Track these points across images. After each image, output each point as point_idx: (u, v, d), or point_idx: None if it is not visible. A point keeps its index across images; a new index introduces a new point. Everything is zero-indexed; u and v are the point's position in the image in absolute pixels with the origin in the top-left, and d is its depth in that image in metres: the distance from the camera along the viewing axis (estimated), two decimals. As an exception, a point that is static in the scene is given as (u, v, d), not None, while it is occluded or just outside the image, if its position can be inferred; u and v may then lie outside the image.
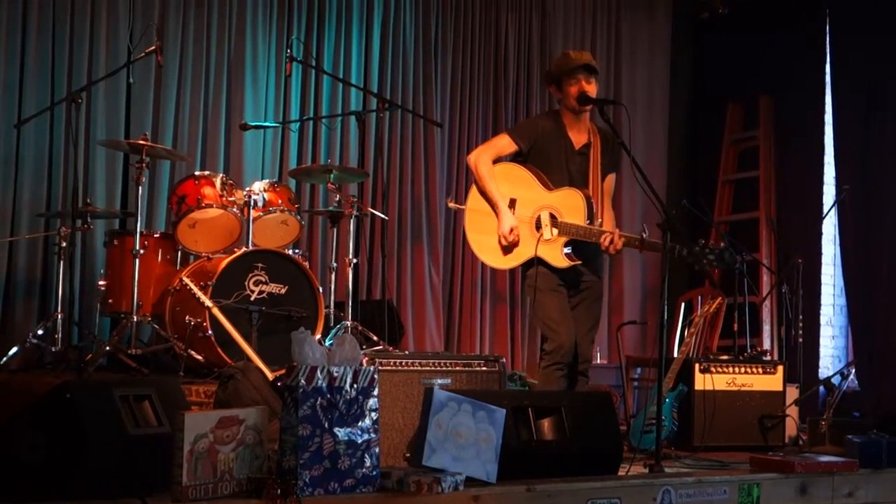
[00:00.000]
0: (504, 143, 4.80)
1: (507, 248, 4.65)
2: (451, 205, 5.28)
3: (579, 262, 4.64)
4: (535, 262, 4.58)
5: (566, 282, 4.67)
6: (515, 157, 4.81)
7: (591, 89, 4.72)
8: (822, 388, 6.00)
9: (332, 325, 5.93)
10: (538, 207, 4.65)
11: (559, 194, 4.66)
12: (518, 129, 4.98)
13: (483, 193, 4.71)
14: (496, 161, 4.74)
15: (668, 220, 4.31)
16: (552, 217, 4.63)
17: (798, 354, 6.28)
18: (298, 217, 6.03)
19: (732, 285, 6.39)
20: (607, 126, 4.79)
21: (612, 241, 4.55)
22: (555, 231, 4.61)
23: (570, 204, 4.63)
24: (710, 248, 4.42)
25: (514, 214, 4.65)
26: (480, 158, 4.75)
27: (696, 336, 5.74)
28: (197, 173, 5.92)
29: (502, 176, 4.71)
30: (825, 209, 7.54)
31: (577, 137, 4.77)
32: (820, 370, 7.48)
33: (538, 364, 4.76)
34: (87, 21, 6.40)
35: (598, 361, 7.17)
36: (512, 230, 4.61)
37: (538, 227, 4.63)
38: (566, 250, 4.61)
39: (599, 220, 4.66)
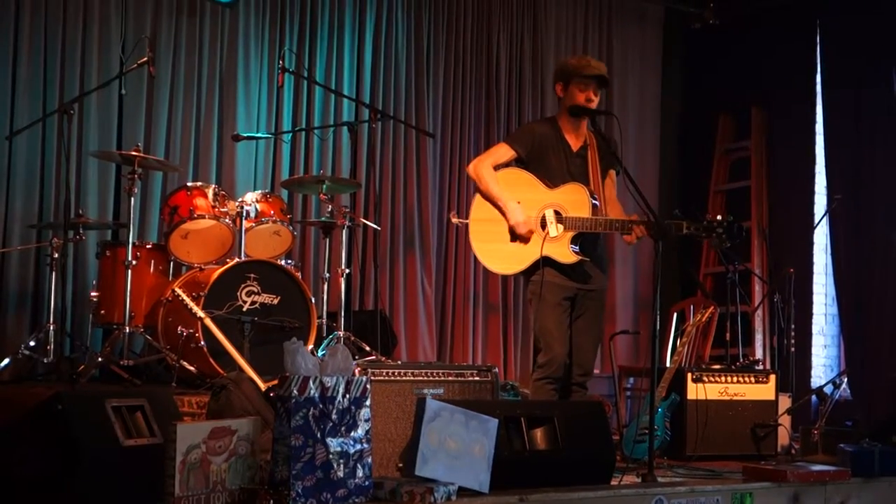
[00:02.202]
0: (502, 151, 4.82)
1: (519, 245, 4.63)
2: (455, 220, 5.27)
3: (587, 259, 4.65)
4: (542, 262, 4.58)
5: (574, 280, 4.66)
6: (515, 164, 4.81)
7: (596, 102, 4.73)
8: (814, 397, 6.00)
9: (324, 335, 5.93)
10: (542, 206, 4.65)
11: (562, 190, 4.66)
12: (515, 135, 5.00)
13: (487, 198, 4.71)
14: (496, 169, 4.75)
15: (661, 229, 4.32)
16: (556, 214, 4.63)
17: (790, 364, 6.29)
18: (291, 228, 6.03)
19: (725, 295, 6.39)
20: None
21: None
22: (560, 227, 4.61)
23: (574, 199, 4.64)
24: (717, 222, 4.42)
25: None
26: (480, 165, 4.76)
27: (689, 345, 5.75)
28: (189, 184, 5.90)
29: (504, 181, 4.72)
30: (816, 219, 7.56)
31: (575, 140, 4.79)
32: (812, 379, 7.49)
33: (531, 375, 4.77)
34: (79, 33, 6.39)
35: (591, 371, 7.16)
36: (525, 221, 4.61)
37: (543, 226, 4.64)
38: (574, 247, 4.61)
39: (604, 213, 4.67)
